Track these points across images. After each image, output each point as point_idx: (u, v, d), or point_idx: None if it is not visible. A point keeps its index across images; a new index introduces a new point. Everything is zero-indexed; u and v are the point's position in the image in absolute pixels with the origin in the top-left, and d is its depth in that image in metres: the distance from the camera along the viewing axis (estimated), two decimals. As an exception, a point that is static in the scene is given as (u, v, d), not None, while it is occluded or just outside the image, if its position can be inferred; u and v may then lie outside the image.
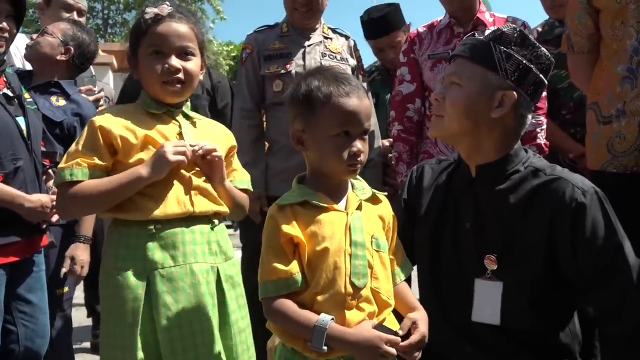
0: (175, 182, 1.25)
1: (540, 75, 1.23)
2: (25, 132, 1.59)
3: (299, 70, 2.10)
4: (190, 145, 1.27)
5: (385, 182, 2.36)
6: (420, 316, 1.13)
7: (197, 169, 1.29)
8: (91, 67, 2.33)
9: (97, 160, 1.23)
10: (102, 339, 1.26)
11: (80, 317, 2.97)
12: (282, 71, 2.11)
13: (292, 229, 1.06)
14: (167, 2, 1.32)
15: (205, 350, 1.21)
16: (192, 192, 1.26)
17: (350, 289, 1.05)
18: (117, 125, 1.25)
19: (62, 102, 1.92)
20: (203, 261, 1.25)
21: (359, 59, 2.30)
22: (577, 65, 1.74)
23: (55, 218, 1.65)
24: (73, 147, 1.26)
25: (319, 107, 1.07)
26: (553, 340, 1.23)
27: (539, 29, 2.29)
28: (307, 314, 1.04)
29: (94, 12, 15.34)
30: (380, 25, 2.47)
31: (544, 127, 2.00)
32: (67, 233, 1.87)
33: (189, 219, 1.25)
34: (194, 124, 1.36)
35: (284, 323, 1.07)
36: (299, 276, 1.05)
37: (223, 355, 1.24)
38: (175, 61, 1.28)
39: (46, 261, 1.75)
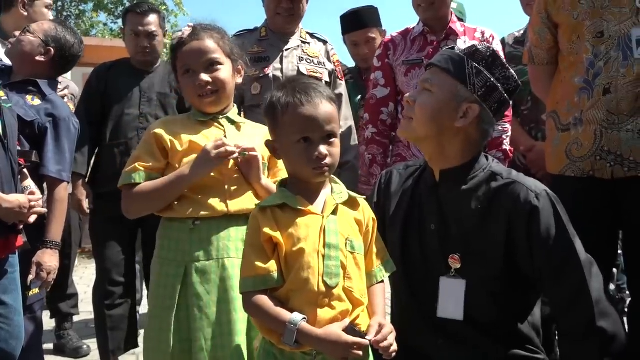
0: (214, 185, 1.43)
1: (505, 95, 1.36)
2: (0, 131, 1.59)
3: (277, 73, 2.22)
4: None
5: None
6: (380, 319, 1.21)
7: (235, 173, 1.46)
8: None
9: (152, 164, 1.43)
10: (147, 319, 1.46)
11: (43, 319, 2.97)
12: (260, 75, 2.22)
13: (271, 230, 1.18)
14: (189, 24, 1.50)
15: (231, 338, 1.38)
16: (228, 194, 1.44)
17: (322, 288, 1.15)
18: (168, 131, 1.47)
19: (37, 101, 1.94)
20: (235, 256, 1.41)
21: (336, 64, 2.42)
22: (537, 77, 1.91)
23: (32, 219, 1.67)
24: (134, 152, 1.46)
25: (280, 117, 1.21)
26: (515, 331, 1.35)
27: (517, 34, 2.46)
28: (281, 311, 1.14)
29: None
30: (357, 19, 2.70)
31: (509, 134, 2.17)
32: (32, 236, 1.84)
33: (225, 218, 1.43)
34: (238, 128, 1.54)
35: (261, 317, 1.19)
36: (276, 274, 1.17)
37: (246, 345, 1.40)
38: (203, 76, 1.47)
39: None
